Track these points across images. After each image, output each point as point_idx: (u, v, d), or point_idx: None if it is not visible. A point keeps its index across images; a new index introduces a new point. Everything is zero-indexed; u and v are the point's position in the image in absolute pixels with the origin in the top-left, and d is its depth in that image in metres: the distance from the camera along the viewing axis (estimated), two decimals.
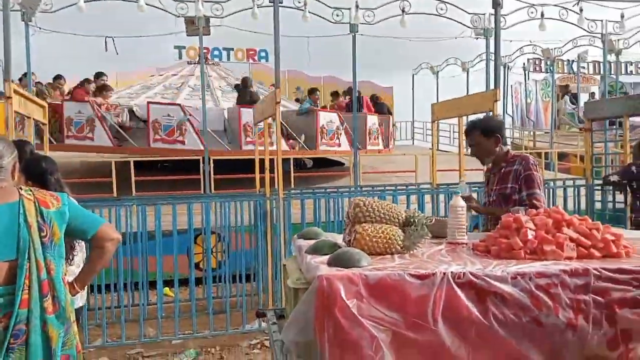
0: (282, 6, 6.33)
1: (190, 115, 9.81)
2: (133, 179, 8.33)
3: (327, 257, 2.14)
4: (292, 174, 9.15)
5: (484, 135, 3.29)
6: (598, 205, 6.52)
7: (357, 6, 7.42)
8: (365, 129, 11.67)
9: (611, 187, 6.26)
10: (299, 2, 7.27)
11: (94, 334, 5.16)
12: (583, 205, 6.55)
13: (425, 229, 2.39)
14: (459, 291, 1.87)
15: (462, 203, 2.68)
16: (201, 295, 5.84)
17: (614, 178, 6.00)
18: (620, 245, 2.12)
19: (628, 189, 5.81)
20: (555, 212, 2.35)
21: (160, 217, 5.14)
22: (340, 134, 11.14)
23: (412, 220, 2.37)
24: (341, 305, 1.82)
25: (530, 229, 2.23)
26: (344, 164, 12.28)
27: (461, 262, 2.08)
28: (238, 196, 6.01)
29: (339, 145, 11.19)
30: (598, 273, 1.90)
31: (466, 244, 2.55)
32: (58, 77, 10.68)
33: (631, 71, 21.02)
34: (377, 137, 12.23)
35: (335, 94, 13.29)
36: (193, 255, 5.44)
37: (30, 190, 2.12)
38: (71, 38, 10.63)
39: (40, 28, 8.50)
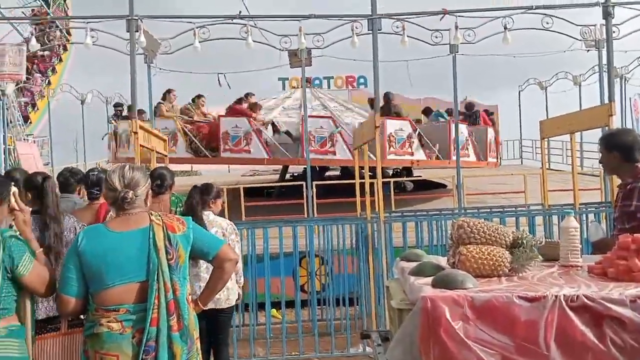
0: (381, 32, 6.44)
1: (341, 127, 10.28)
2: (243, 204, 8.80)
3: (430, 278, 2.14)
4: (393, 197, 9.13)
5: (605, 149, 3.09)
6: None
7: (456, 27, 7.33)
8: (486, 140, 11.64)
9: None
10: (397, 27, 7.33)
11: None
12: None
13: (535, 250, 2.31)
14: (572, 315, 1.79)
15: (575, 224, 2.55)
16: (306, 317, 5.98)
17: None
18: None
19: None
20: None
21: (267, 240, 5.38)
22: (469, 145, 11.16)
23: (520, 241, 2.31)
24: (446, 326, 1.82)
25: None
26: (445, 186, 12.01)
27: (575, 285, 1.99)
28: (340, 219, 6.12)
29: (468, 155, 11.14)
30: None
31: (581, 266, 2.42)
32: (199, 96, 11.50)
33: None
34: (495, 150, 12.08)
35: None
36: (299, 278, 5.61)
37: (160, 216, 2.36)
38: (188, 76, 11.58)
39: (160, 69, 9.38)
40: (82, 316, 2.41)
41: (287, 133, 10.57)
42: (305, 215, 8.44)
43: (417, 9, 7.31)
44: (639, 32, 8.18)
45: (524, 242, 2.30)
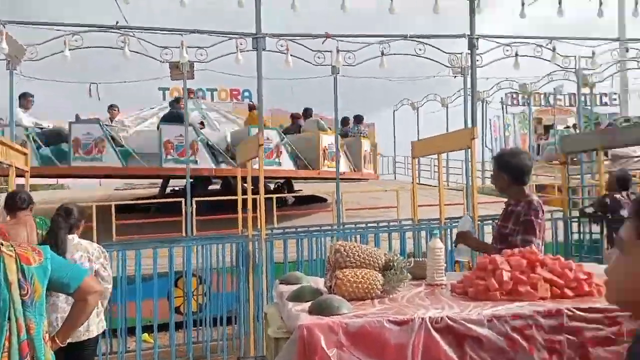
0: (266, 51, 6.47)
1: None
2: (114, 222, 8.25)
3: (308, 304, 2.15)
4: (275, 212, 9.16)
5: (496, 169, 3.18)
6: (576, 237, 6.60)
7: (338, 50, 7.60)
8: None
9: (588, 219, 6.36)
10: (281, 46, 7.40)
11: None
12: (561, 237, 6.63)
13: (405, 272, 2.43)
14: (437, 336, 1.89)
15: (440, 245, 2.73)
16: (181, 340, 5.74)
17: (590, 210, 6.13)
18: (592, 284, 2.18)
19: (603, 220, 5.91)
20: (529, 253, 2.41)
21: (140, 262, 5.08)
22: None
23: (391, 264, 2.41)
24: (322, 354, 1.83)
25: (505, 270, 2.27)
26: (326, 200, 12.32)
27: (439, 306, 2.11)
28: (220, 238, 5.99)
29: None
30: (571, 313, 1.94)
31: (445, 284, 2.58)
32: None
33: (605, 102, 21.77)
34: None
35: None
36: (173, 299, 5.36)
37: (12, 246, 2.11)
38: (56, 85, 10.73)
39: (24, 76, 8.54)
40: None
41: None
42: (184, 234, 8.13)
43: (301, 30, 7.48)
44: (499, 61, 9.11)
45: (395, 264, 2.41)
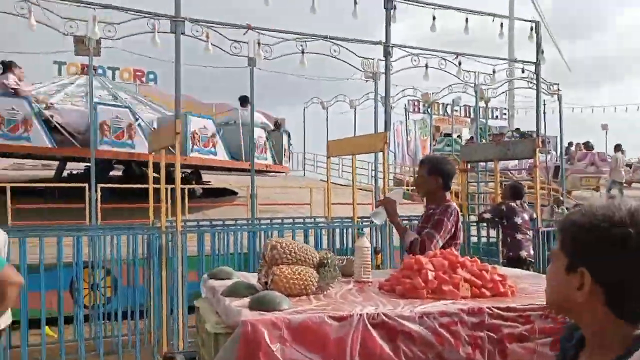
0: (185, 35, 6.29)
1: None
2: (9, 206, 7.59)
3: (246, 299, 2.18)
4: (187, 204, 8.96)
5: (428, 172, 3.38)
6: (474, 240, 7.16)
7: (259, 43, 7.56)
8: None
9: (485, 224, 6.95)
10: (197, 32, 7.22)
11: None
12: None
13: (338, 269, 2.54)
14: (373, 331, 2.02)
15: (367, 244, 2.88)
16: (88, 334, 5.45)
17: (487, 215, 6.70)
18: (506, 285, 2.42)
19: (499, 225, 6.52)
20: (450, 254, 2.62)
21: (43, 251, 4.76)
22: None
23: (325, 261, 2.51)
24: (266, 350, 1.88)
25: (430, 270, 2.46)
26: (236, 193, 12.22)
27: (373, 303, 2.24)
28: (131, 229, 5.75)
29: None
30: (490, 311, 2.15)
31: (371, 282, 2.73)
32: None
33: (497, 116, 23.85)
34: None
35: None
36: (82, 291, 5.09)
37: None
38: None
39: None
40: None
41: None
42: (87, 222, 7.68)
43: (217, 18, 7.34)
44: (407, 70, 9.57)
45: (329, 261, 2.51)
